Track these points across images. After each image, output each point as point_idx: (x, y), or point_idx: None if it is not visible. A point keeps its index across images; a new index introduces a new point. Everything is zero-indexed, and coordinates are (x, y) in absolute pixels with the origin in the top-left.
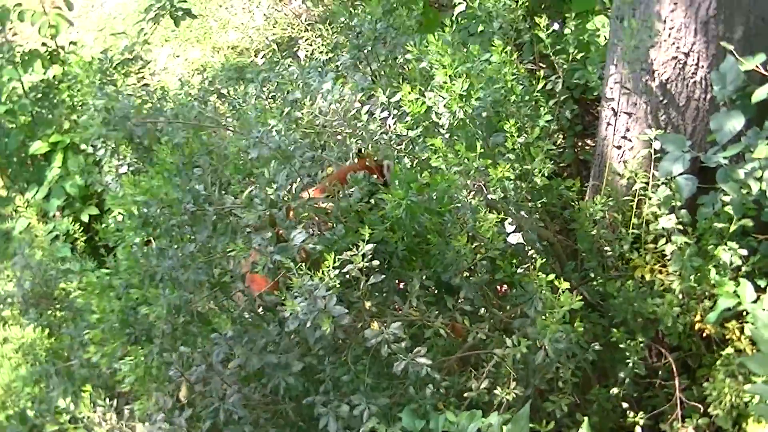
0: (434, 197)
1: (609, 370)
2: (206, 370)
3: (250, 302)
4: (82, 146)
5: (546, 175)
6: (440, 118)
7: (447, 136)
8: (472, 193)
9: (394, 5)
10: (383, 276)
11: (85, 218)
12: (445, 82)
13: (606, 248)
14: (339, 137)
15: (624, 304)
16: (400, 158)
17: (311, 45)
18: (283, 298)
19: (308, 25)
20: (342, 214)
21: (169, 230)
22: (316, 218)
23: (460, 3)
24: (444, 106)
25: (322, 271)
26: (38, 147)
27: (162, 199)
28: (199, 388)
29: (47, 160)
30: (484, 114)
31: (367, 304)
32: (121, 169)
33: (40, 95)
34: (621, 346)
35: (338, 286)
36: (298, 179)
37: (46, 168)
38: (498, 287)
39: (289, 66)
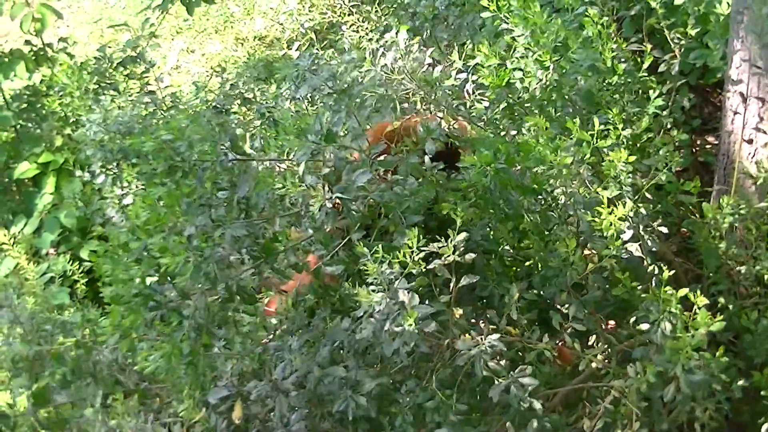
0: (527, 169)
1: (749, 427)
2: (270, 388)
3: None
4: (77, 173)
5: (673, 170)
6: (529, 86)
7: (537, 111)
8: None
9: None
10: (477, 277)
11: (85, 255)
12: (534, 36)
13: (739, 268)
14: (405, 104)
15: (764, 339)
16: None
17: (357, 32)
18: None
19: (352, 6)
20: (412, 173)
21: (203, 179)
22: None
23: None
24: (534, 60)
25: (404, 254)
26: (25, 169)
27: (192, 142)
28: (256, 409)
29: (36, 185)
30: (582, 82)
31: (457, 313)
32: (125, 199)
33: (24, 105)
34: (763, 393)
35: (424, 273)
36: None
37: (35, 195)
38: (605, 321)
39: (331, 59)
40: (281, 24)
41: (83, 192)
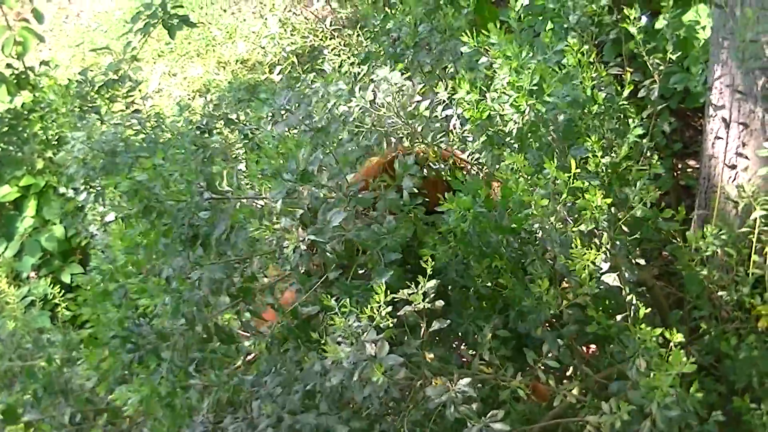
0: (505, 211)
1: None
2: (246, 425)
3: (281, 315)
4: (61, 189)
5: (649, 204)
6: (506, 123)
7: (516, 146)
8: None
9: (440, 1)
10: (448, 321)
11: (66, 278)
12: (511, 78)
13: (720, 293)
14: (392, 139)
15: (745, 364)
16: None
17: (338, 55)
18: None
19: (334, 30)
20: (390, 210)
21: (178, 219)
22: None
23: None
24: (510, 104)
25: (371, 308)
26: (6, 193)
27: (168, 181)
28: None
29: (17, 208)
30: (561, 117)
31: (429, 356)
32: (107, 217)
33: (6, 128)
34: (745, 418)
35: (391, 326)
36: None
37: (16, 218)
38: (585, 347)
39: (313, 82)
40: (263, 48)
41: (64, 211)
